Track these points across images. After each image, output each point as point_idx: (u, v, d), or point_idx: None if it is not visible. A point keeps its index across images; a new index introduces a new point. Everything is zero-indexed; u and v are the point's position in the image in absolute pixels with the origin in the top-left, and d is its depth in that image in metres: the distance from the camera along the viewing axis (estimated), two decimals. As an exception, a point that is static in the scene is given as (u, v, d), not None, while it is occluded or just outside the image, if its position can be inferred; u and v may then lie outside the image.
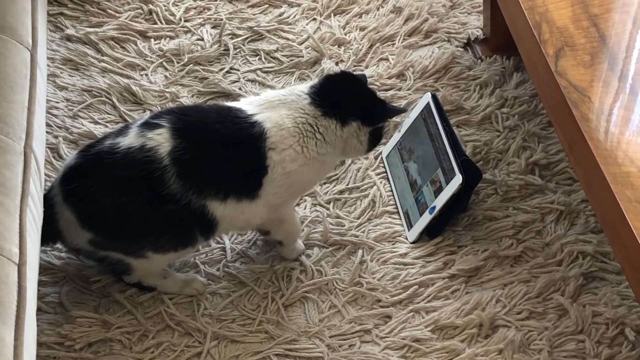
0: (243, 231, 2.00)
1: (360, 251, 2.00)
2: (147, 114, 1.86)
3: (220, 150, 1.77)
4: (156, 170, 1.73)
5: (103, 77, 2.34)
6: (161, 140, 1.75)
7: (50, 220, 1.77)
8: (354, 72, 1.97)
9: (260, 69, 2.40)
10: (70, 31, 2.44)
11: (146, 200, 1.74)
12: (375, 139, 1.89)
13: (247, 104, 1.84)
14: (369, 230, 2.05)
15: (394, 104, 2.10)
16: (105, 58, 2.39)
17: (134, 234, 1.79)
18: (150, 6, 2.52)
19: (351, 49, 2.44)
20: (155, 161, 1.73)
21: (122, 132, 1.80)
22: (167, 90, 2.32)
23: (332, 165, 1.97)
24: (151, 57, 2.41)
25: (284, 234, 1.95)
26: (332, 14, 2.53)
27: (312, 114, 1.82)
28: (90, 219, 1.77)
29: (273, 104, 1.83)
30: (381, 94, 2.30)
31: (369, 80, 2.33)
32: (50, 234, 1.80)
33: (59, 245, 1.90)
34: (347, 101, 1.84)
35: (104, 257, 1.83)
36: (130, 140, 1.76)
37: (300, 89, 1.86)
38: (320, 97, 1.83)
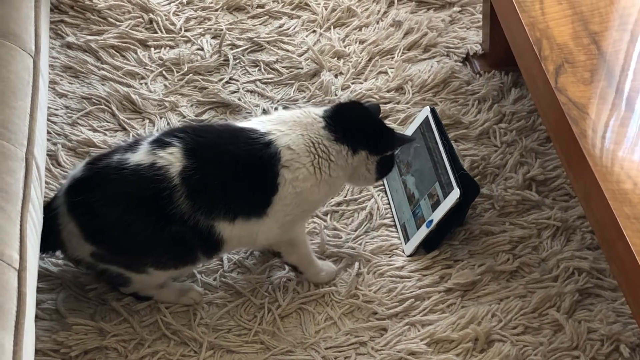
0: (250, 248, 1.99)
1: (356, 263, 2.00)
2: (158, 131, 1.84)
3: (233, 172, 1.77)
4: (165, 190, 1.72)
5: (103, 85, 2.35)
6: (172, 159, 1.74)
7: (52, 230, 1.77)
8: (367, 103, 1.98)
9: (259, 79, 2.41)
10: (70, 39, 2.45)
11: (151, 219, 1.74)
12: (384, 168, 1.91)
13: (260, 123, 1.84)
14: (366, 242, 2.06)
15: (395, 126, 2.11)
16: (105, 66, 2.40)
17: (137, 251, 1.78)
18: (151, 15, 2.52)
19: (350, 62, 2.44)
20: (165, 180, 1.73)
21: (131, 147, 1.79)
22: (166, 99, 2.33)
23: (339, 188, 1.98)
24: (151, 66, 2.41)
25: (296, 258, 1.94)
26: (331, 27, 2.54)
27: (326, 136, 1.83)
28: (93, 233, 1.77)
29: (288, 124, 1.83)
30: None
31: (366, 93, 2.35)
32: (51, 243, 1.81)
33: (54, 253, 1.90)
34: (356, 130, 1.86)
35: (104, 270, 1.83)
36: (140, 157, 1.75)
37: (315, 112, 1.87)
38: (333, 123, 1.84)
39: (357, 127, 1.87)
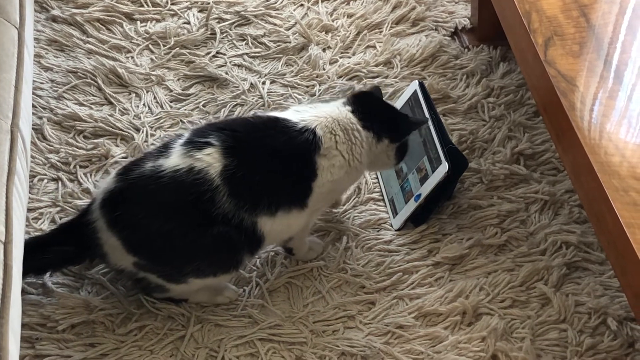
0: (281, 242, 1.95)
1: (345, 238, 2.00)
2: (186, 132, 1.80)
3: (274, 163, 1.75)
4: (206, 193, 1.69)
5: (88, 58, 2.33)
6: (211, 160, 1.70)
7: (93, 245, 1.76)
8: (370, 87, 2.00)
9: (247, 53, 2.39)
10: (55, 12, 2.43)
11: (194, 224, 1.71)
12: (401, 153, 1.92)
13: (293, 114, 1.83)
14: (354, 217, 2.05)
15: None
16: (90, 39, 2.38)
17: (179, 259, 1.75)
18: (137, -12, 2.51)
19: (338, 36, 2.43)
20: (206, 183, 1.69)
21: (162, 152, 1.74)
22: (152, 73, 2.31)
23: (362, 176, 2.00)
24: (137, 40, 2.39)
25: (299, 242, 1.93)
26: (319, 0, 2.53)
27: (357, 122, 1.84)
28: (136, 245, 1.74)
29: (319, 112, 1.83)
30: (368, 82, 2.31)
31: (355, 67, 2.34)
32: (93, 256, 1.80)
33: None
34: (380, 119, 1.87)
35: (143, 278, 1.80)
36: (175, 161, 1.71)
37: (338, 102, 1.88)
38: (360, 110, 1.85)
39: (380, 116, 1.88)
